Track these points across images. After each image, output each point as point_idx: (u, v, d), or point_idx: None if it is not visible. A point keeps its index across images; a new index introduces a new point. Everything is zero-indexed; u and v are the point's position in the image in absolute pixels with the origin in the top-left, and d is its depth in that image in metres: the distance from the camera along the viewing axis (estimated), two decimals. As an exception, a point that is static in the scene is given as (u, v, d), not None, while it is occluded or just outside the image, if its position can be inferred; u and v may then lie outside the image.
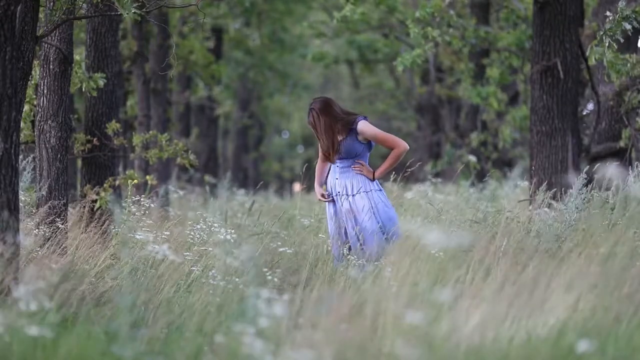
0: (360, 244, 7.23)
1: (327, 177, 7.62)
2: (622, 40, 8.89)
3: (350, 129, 7.37)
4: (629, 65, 8.98)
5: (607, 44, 8.73)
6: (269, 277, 5.97)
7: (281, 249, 7.32)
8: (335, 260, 7.30)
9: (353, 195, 7.36)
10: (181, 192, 12.94)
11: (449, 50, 17.41)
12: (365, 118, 7.45)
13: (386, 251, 7.06)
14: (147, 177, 9.58)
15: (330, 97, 7.59)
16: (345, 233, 7.36)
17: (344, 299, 4.73)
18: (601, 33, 8.79)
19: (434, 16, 11.14)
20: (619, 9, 8.72)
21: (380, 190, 7.43)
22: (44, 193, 8.10)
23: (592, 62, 9.16)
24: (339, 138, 7.41)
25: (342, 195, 7.39)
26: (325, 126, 7.39)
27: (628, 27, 8.67)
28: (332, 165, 7.54)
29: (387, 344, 4.34)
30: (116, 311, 5.57)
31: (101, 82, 8.61)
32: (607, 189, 8.34)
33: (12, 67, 5.67)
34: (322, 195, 7.49)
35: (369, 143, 7.42)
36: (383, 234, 7.25)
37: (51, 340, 4.58)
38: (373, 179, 7.39)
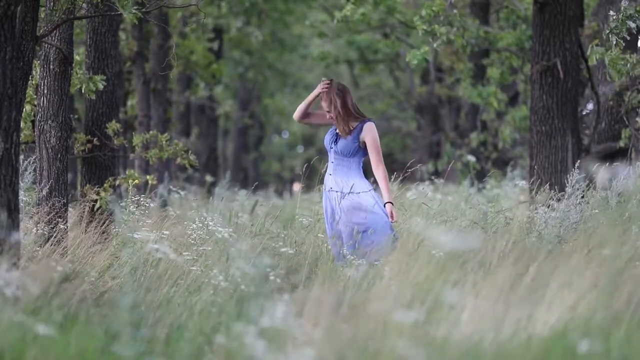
0: (356, 243, 7.24)
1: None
2: (628, 38, 8.90)
3: (356, 126, 7.38)
4: (629, 65, 8.98)
5: (614, 42, 8.72)
6: (272, 278, 5.97)
7: (283, 249, 7.31)
8: (336, 259, 7.31)
9: (348, 193, 7.36)
10: (182, 192, 12.92)
11: (449, 50, 17.41)
12: (372, 121, 7.48)
13: (377, 252, 7.08)
14: (148, 177, 9.58)
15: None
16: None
17: (344, 298, 4.74)
18: (607, 31, 8.79)
19: (439, 15, 11.14)
20: (622, 7, 8.73)
21: (370, 190, 7.40)
22: (44, 193, 8.10)
23: (592, 61, 9.16)
24: (345, 131, 7.41)
25: (334, 192, 7.40)
26: (341, 109, 7.40)
27: (633, 25, 8.67)
28: (329, 162, 7.55)
29: (387, 344, 4.34)
30: (116, 311, 5.57)
31: (100, 85, 8.61)
32: (607, 189, 8.34)
33: (12, 67, 5.67)
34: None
35: (364, 148, 7.41)
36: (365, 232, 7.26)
37: (51, 339, 4.58)
38: (389, 202, 7.36)
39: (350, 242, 7.22)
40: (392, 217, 7.27)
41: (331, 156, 7.48)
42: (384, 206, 7.31)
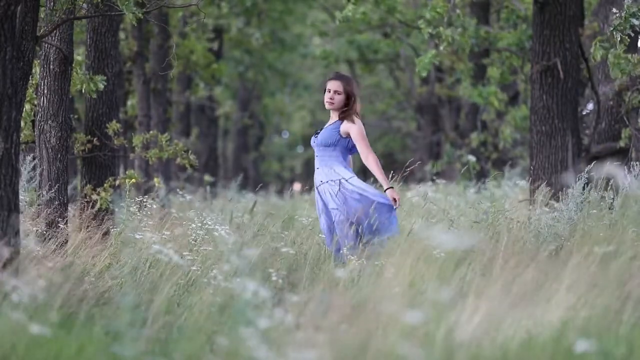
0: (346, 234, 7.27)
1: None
2: (632, 35, 8.90)
3: (340, 117, 7.46)
4: (630, 65, 8.98)
5: (618, 39, 8.71)
6: (274, 278, 5.97)
7: (283, 249, 7.31)
8: (334, 254, 7.31)
9: (328, 183, 7.40)
10: (187, 197, 12.89)
11: (449, 49, 17.41)
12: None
13: (368, 247, 7.10)
14: (155, 179, 9.61)
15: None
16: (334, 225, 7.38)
17: (344, 298, 4.73)
18: (611, 29, 8.79)
19: (443, 17, 11.12)
20: (625, 6, 8.74)
21: (354, 176, 7.39)
22: (44, 193, 8.10)
23: (597, 58, 9.14)
24: (330, 122, 7.48)
25: (324, 184, 7.42)
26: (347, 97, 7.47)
27: (636, 22, 8.67)
28: (315, 159, 7.59)
29: (387, 344, 4.34)
30: (116, 311, 5.58)
31: (101, 85, 8.61)
32: (607, 189, 8.34)
33: (12, 67, 5.67)
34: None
35: (346, 138, 7.44)
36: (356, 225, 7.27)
37: (51, 339, 4.58)
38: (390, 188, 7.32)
39: (350, 244, 7.21)
40: (395, 202, 7.26)
41: (315, 151, 7.54)
42: (385, 192, 7.31)
